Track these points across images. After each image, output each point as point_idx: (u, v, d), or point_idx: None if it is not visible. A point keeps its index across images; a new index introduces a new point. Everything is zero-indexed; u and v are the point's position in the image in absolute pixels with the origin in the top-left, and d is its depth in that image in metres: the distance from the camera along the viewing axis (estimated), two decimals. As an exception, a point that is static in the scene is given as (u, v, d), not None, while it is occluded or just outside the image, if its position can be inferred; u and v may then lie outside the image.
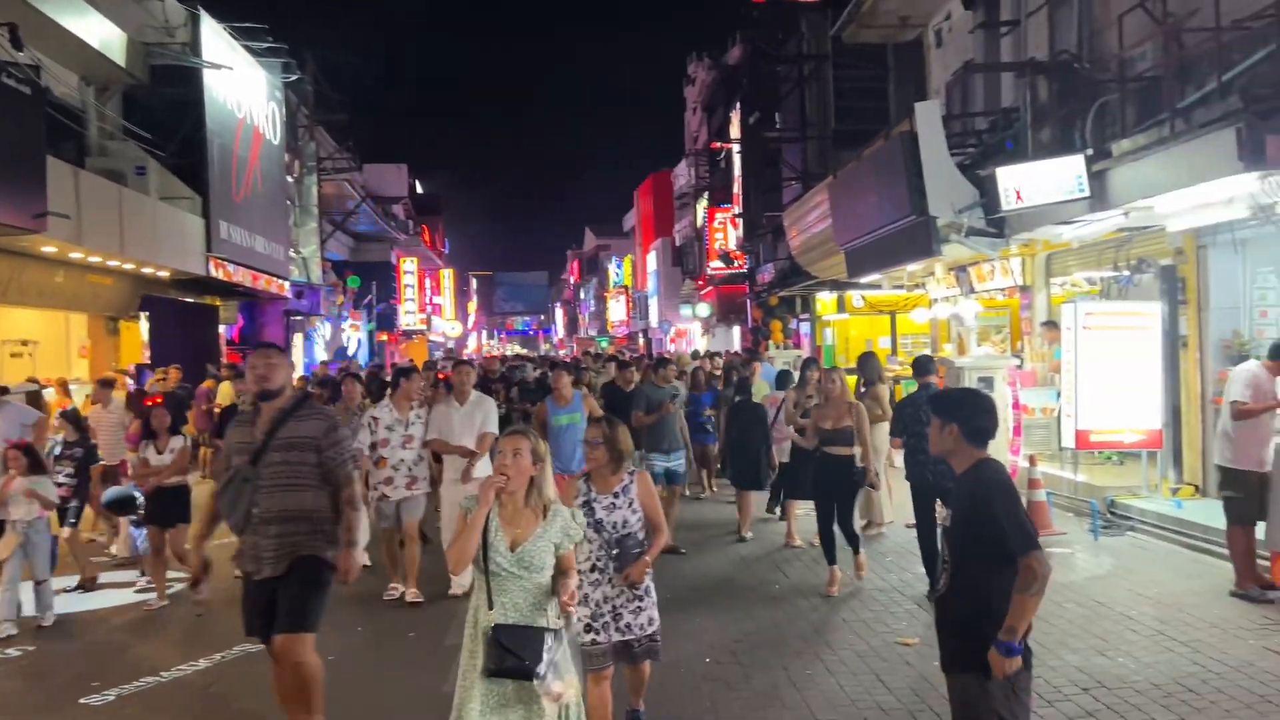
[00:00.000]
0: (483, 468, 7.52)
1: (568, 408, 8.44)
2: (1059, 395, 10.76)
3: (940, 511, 7.28)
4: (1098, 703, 5.24)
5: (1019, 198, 8.62)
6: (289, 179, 24.11)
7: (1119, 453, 11.19)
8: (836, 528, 7.76)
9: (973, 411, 3.55)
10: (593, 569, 4.54)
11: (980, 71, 12.38)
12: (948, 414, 3.55)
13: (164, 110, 17.04)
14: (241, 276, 18.77)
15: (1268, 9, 7.08)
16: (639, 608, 4.58)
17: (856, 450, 7.72)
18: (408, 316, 41.20)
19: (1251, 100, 6.51)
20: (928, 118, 10.39)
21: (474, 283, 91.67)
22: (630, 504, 4.58)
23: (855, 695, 5.51)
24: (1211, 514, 8.43)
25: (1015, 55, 11.77)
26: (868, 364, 9.95)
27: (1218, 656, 5.88)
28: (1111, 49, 9.18)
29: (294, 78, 23.13)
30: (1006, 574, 3.29)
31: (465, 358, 18.70)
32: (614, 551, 4.52)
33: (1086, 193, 8.27)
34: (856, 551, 7.86)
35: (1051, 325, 12.05)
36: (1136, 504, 9.59)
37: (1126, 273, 10.40)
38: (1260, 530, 7.12)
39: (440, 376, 12.23)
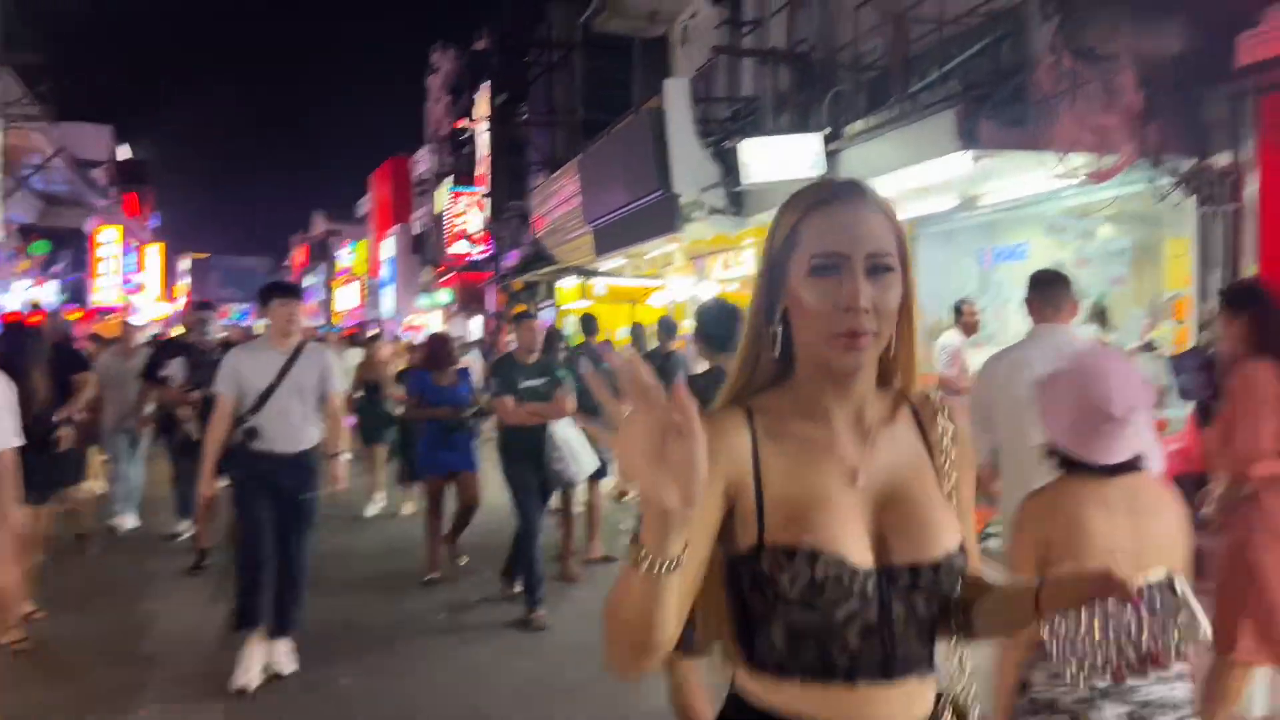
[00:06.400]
0: None
1: None
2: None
3: None
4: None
5: (759, 172, 8.93)
6: (-37, 121, 20.93)
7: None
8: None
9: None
10: None
11: (726, 53, 12.84)
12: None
13: None
14: (-104, 224, 16.00)
15: (979, 6, 7.85)
16: None
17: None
18: (101, 292, 36.94)
19: (969, 87, 7.11)
20: (676, 94, 10.59)
21: (189, 263, 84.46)
22: None
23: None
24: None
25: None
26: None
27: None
28: (846, 40, 9.76)
29: (-28, 2, 20.11)
30: None
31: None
32: None
33: (824, 169, 8.69)
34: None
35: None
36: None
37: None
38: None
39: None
